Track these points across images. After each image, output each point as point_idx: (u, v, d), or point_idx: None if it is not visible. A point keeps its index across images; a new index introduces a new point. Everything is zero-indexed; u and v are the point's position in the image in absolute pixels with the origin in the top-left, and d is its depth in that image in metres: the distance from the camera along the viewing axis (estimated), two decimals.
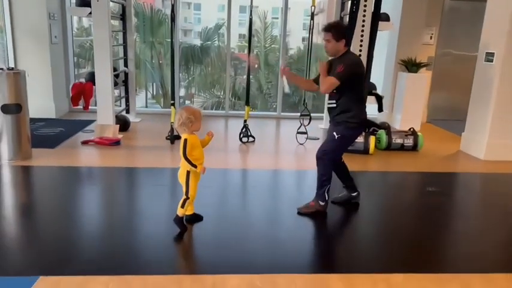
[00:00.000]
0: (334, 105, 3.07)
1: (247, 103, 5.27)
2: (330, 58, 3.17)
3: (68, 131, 5.39)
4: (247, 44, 10.37)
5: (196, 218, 2.98)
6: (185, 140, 2.68)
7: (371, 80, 5.70)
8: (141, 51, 8.97)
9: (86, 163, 4.36)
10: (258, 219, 3.20)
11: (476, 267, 2.58)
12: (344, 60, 2.98)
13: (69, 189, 3.69)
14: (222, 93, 9.03)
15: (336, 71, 2.93)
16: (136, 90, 10.19)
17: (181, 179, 2.77)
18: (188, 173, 2.73)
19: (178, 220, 2.81)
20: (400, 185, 4.20)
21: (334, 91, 3.00)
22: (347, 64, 2.93)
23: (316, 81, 3.22)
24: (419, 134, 5.21)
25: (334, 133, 3.05)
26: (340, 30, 3.00)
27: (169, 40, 6.77)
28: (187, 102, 10.78)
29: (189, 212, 2.94)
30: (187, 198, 2.79)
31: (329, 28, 2.99)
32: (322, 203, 3.15)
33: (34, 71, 5.85)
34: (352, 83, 2.98)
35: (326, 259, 2.68)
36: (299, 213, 3.16)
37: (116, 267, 2.35)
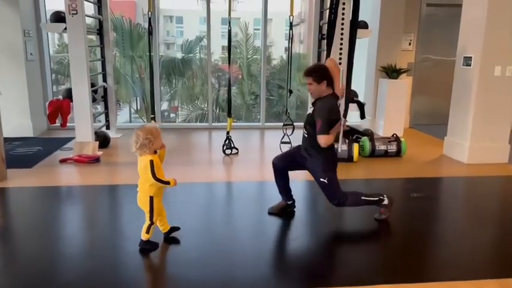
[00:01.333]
0: (306, 135, 3.13)
1: (229, 115, 5.21)
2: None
3: (46, 149, 5.25)
4: (224, 56, 10.39)
5: (173, 231, 2.91)
6: (151, 162, 2.56)
7: (352, 88, 5.71)
8: (121, 65, 8.89)
9: (64, 182, 4.23)
10: (243, 232, 3.12)
11: (466, 274, 2.54)
12: (319, 109, 3.00)
13: (47, 210, 3.56)
14: (206, 106, 8.97)
15: (318, 128, 2.94)
16: (120, 105, 10.13)
17: (143, 205, 2.67)
18: (151, 198, 2.64)
19: (145, 243, 2.72)
20: (385, 192, 4.15)
21: (307, 126, 3.09)
22: (318, 113, 2.97)
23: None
24: (402, 139, 5.21)
25: (322, 179, 3.06)
26: (320, 73, 3.04)
27: (152, 54, 6.73)
28: (171, 115, 10.70)
29: (165, 230, 2.87)
30: (152, 223, 2.69)
31: (309, 72, 3.06)
32: (386, 202, 3.19)
33: (10, 89, 5.73)
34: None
35: (309, 271, 2.61)
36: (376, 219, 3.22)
37: None
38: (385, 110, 6.42)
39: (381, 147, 5.14)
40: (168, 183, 2.61)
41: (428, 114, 7.27)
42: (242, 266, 2.60)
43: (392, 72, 6.39)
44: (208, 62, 7.11)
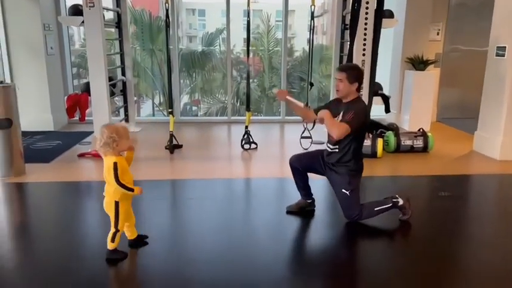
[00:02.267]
0: (337, 150, 2.92)
1: (248, 109, 5.08)
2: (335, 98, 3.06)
3: (65, 143, 5.24)
4: (251, 48, 10.25)
5: (140, 240, 2.67)
6: (115, 164, 2.33)
7: (376, 80, 5.49)
8: (142, 59, 8.86)
9: (81, 177, 4.20)
10: (260, 231, 2.99)
11: (500, 281, 2.35)
12: (355, 108, 2.83)
13: (64, 206, 3.53)
14: (226, 99, 8.87)
15: (347, 118, 2.79)
16: (143, 98, 10.14)
17: (109, 210, 2.44)
18: (117, 203, 2.42)
19: (112, 252, 2.49)
20: (410, 191, 3.94)
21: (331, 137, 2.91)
22: (357, 113, 2.79)
23: (317, 111, 3.03)
24: (429, 134, 4.97)
25: (344, 190, 2.91)
26: (355, 73, 2.87)
27: (172, 47, 6.65)
28: (193, 108, 10.67)
29: (132, 237, 2.64)
30: (117, 231, 2.45)
31: (344, 68, 2.92)
32: (401, 203, 3.01)
33: (30, 83, 5.76)
34: (357, 132, 2.86)
35: (327, 274, 2.46)
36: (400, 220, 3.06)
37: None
38: (411, 103, 6.16)
39: (406, 142, 4.91)
40: (131, 190, 2.37)
41: (457, 108, 6.95)
42: (259, 267, 2.48)
43: (419, 64, 6.11)
44: (228, 54, 6.98)
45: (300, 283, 2.36)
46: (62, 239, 2.89)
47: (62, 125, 6.17)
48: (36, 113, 5.87)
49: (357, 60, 4.76)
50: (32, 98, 5.82)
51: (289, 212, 3.19)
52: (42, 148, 5.06)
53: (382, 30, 4.77)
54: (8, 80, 5.72)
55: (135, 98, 9.36)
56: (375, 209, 3.00)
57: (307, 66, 9.47)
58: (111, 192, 2.41)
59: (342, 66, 2.93)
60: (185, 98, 9.84)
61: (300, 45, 11.05)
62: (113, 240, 2.46)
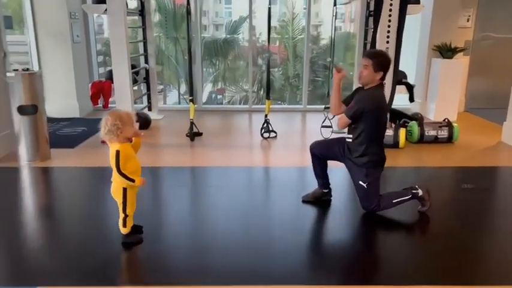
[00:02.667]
0: (350, 140, 2.91)
1: (267, 97, 5.05)
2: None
3: (90, 130, 5.36)
4: (277, 36, 10.14)
5: (135, 230, 2.62)
6: (117, 152, 2.31)
7: (401, 68, 5.35)
8: (166, 47, 8.92)
9: (103, 163, 4.24)
10: (277, 220, 2.99)
11: None
12: (363, 94, 2.79)
13: (86, 190, 3.64)
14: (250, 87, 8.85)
15: (348, 107, 2.79)
16: (170, 86, 10.23)
17: (117, 196, 2.46)
18: (125, 189, 2.43)
19: (127, 237, 2.53)
20: (432, 182, 3.84)
21: (353, 126, 2.85)
22: (359, 100, 2.76)
23: (345, 102, 2.99)
24: (454, 124, 4.82)
25: (361, 182, 2.87)
26: (382, 61, 2.77)
27: (194, 35, 6.67)
28: (218, 96, 10.69)
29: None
30: (126, 216, 2.48)
31: (372, 55, 2.81)
32: (421, 194, 2.93)
33: (57, 70, 5.91)
34: (367, 121, 2.78)
35: (344, 266, 2.44)
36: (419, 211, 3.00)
37: (85, 277, 2.24)
38: (438, 92, 5.98)
39: (430, 132, 4.78)
40: (132, 180, 2.35)
41: (487, 97, 6.70)
42: (274, 256, 2.48)
43: (446, 52, 5.91)
44: (250, 42, 6.94)
45: (314, 274, 2.35)
46: (84, 222, 2.98)
47: (87, 111, 6.31)
48: (62, 100, 6.03)
49: (380, 48, 4.64)
50: (59, 85, 5.97)
51: (304, 202, 3.17)
52: (68, 134, 5.20)
53: (409, 17, 4.63)
54: (36, 67, 5.89)
55: (161, 86, 9.48)
56: (393, 200, 2.94)
57: (335, 53, 9.29)
58: (118, 179, 2.39)
59: (369, 52, 2.83)
60: (210, 87, 9.86)
61: (327, 33, 10.81)
62: (124, 225, 2.50)
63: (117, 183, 2.43)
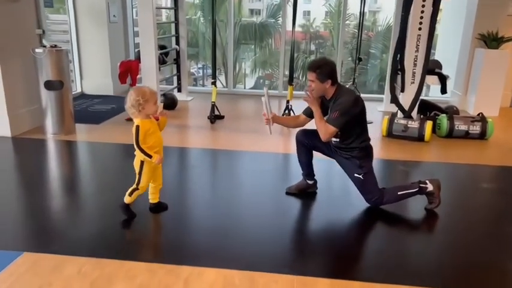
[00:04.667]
0: (338, 141, 2.79)
1: (290, 82, 4.95)
2: None
3: (119, 107, 5.53)
4: (327, 22, 9.89)
5: (160, 206, 2.73)
6: (137, 127, 2.38)
7: (441, 58, 5.06)
8: (205, 29, 8.99)
9: (123, 140, 4.38)
10: (269, 208, 2.95)
11: None
12: (338, 104, 2.65)
13: (101, 164, 3.80)
14: (286, 73, 8.72)
15: (331, 117, 2.66)
16: (220, 70, 10.37)
17: (135, 166, 2.54)
18: (142, 162, 2.49)
19: (124, 207, 2.60)
20: (452, 180, 3.62)
21: (339, 132, 2.72)
22: (342, 110, 2.62)
23: (307, 113, 2.92)
24: (489, 120, 4.48)
25: (356, 174, 2.76)
26: (324, 71, 2.64)
27: (229, 18, 6.67)
28: (266, 82, 10.66)
29: (154, 201, 2.71)
30: (137, 188, 2.54)
31: (313, 68, 2.66)
32: (431, 189, 2.78)
33: (93, 49, 6.14)
34: (352, 124, 2.68)
35: (329, 261, 2.37)
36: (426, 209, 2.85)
37: (97, 250, 2.30)
38: (479, 84, 5.58)
39: (461, 127, 4.48)
40: (149, 156, 2.41)
41: None
42: (256, 241, 2.45)
43: (491, 41, 5.49)
44: (284, 27, 6.82)
45: (302, 261, 2.30)
46: (98, 194, 3.10)
47: (121, 90, 6.50)
48: (98, 78, 6.27)
49: (411, 35, 4.39)
50: (95, 64, 6.21)
51: (288, 194, 3.05)
52: (98, 111, 5.41)
53: (453, 3, 4.31)
54: (74, 46, 6.15)
55: (198, 67, 9.59)
56: (398, 193, 2.79)
57: (386, 40, 8.89)
58: (138, 152, 2.48)
59: (311, 65, 2.67)
60: (251, 71, 9.83)
61: (385, 20, 10.31)
62: (130, 194, 2.58)
63: (137, 156, 2.51)
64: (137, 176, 2.54)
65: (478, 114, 4.58)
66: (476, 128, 4.46)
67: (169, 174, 3.52)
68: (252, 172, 3.61)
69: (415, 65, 4.46)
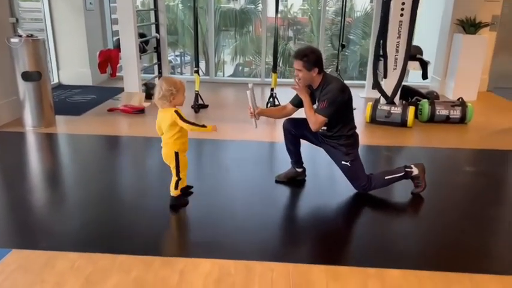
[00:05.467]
0: (325, 129, 2.79)
1: (274, 70, 4.94)
2: None
3: (99, 98, 5.43)
4: (305, 7, 9.83)
5: (187, 189, 2.82)
6: (176, 111, 2.43)
7: (421, 44, 5.11)
8: (184, 16, 8.84)
9: (105, 131, 4.29)
10: (258, 199, 2.96)
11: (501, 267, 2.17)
12: (326, 93, 2.66)
13: (83, 157, 3.71)
14: (267, 59, 8.67)
15: (320, 107, 2.67)
16: (188, 55, 10.19)
17: (169, 160, 2.58)
18: (176, 154, 2.54)
19: (175, 199, 2.66)
20: (432, 163, 3.71)
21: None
22: (331, 99, 2.63)
23: (294, 103, 2.93)
24: (468, 104, 4.58)
25: (343, 162, 2.79)
26: (311, 59, 2.64)
27: (209, 5, 6.56)
28: (245, 69, 10.58)
29: (183, 185, 2.74)
30: (179, 179, 2.61)
31: (299, 56, 2.66)
32: (416, 173, 2.83)
33: (70, 37, 5.97)
34: (340, 112, 2.70)
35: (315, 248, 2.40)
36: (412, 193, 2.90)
37: (88, 244, 2.26)
38: (457, 69, 5.69)
39: (441, 112, 4.57)
40: (204, 126, 2.47)
41: None
42: (245, 231, 2.46)
43: (469, 27, 5.58)
44: (264, 13, 6.77)
45: (296, 248, 2.32)
46: (81, 187, 3.04)
47: (100, 80, 6.37)
48: (75, 68, 6.11)
49: (393, 21, 4.42)
50: (72, 53, 6.04)
51: (278, 182, 3.07)
52: (77, 101, 5.28)
53: None
54: (49, 35, 5.96)
55: (175, 55, 9.42)
56: (386, 177, 2.84)
57: (365, 28, 8.93)
58: (170, 144, 2.51)
59: (297, 54, 2.66)
60: (232, 59, 9.72)
61: (362, 5, 10.33)
62: (176, 187, 2.62)
63: (168, 148, 2.53)
64: (175, 169, 2.57)
65: (458, 99, 4.68)
66: (456, 113, 4.55)
67: (155, 166, 3.48)
68: (240, 161, 3.59)
69: (397, 51, 4.51)
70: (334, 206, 2.89)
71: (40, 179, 3.24)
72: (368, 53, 6.42)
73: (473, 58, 5.59)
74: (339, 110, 2.67)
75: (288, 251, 2.27)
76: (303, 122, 2.81)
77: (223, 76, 9.03)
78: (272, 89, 4.93)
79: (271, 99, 4.92)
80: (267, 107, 4.94)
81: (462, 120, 4.57)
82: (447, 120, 4.58)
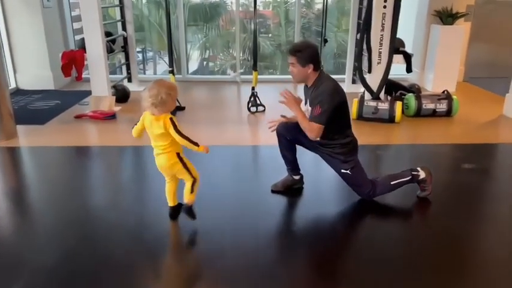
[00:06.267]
0: (318, 139, 2.55)
1: (254, 68, 4.67)
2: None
3: (64, 103, 4.99)
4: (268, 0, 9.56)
5: (179, 209, 2.44)
6: (171, 119, 2.17)
7: (399, 36, 4.97)
8: (150, 12, 8.39)
9: (76, 142, 3.89)
10: (253, 206, 2.71)
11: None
12: (317, 95, 2.45)
13: (51, 174, 3.31)
14: (241, 55, 8.36)
15: (314, 114, 2.44)
16: (160, 53, 9.71)
17: (174, 167, 2.28)
18: (180, 158, 2.28)
19: (189, 209, 2.37)
20: (431, 161, 3.58)
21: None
22: (323, 102, 2.41)
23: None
24: (454, 97, 4.50)
25: (343, 170, 2.59)
26: (306, 54, 2.44)
27: None
28: (210, 64, 10.22)
29: (171, 204, 2.44)
30: (195, 180, 2.33)
31: (294, 51, 2.48)
32: (423, 176, 2.66)
33: (27, 38, 5.47)
34: (336, 116, 2.48)
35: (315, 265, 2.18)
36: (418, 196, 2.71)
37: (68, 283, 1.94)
38: (436, 61, 5.63)
39: (428, 105, 4.47)
40: (196, 144, 2.21)
41: (487, 66, 6.37)
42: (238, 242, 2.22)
43: (447, 17, 5.52)
44: (237, 6, 6.49)
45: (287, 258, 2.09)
46: (57, 207, 2.69)
47: (63, 83, 5.88)
48: (35, 71, 5.61)
49: (376, 14, 4.25)
50: (30, 54, 5.54)
51: (274, 192, 2.82)
52: (39, 108, 4.82)
53: None
54: (3, 36, 5.43)
55: (151, 53, 8.97)
56: (391, 182, 2.65)
57: (329, 19, 8.77)
58: (170, 148, 2.23)
59: (291, 48, 2.48)
60: (196, 54, 9.37)
61: None
62: (192, 190, 2.34)
63: (170, 153, 2.25)
64: (186, 171, 2.30)
65: (443, 92, 4.59)
66: (443, 106, 4.46)
67: (134, 179, 3.18)
68: (227, 168, 3.33)
69: (381, 44, 4.35)
70: (335, 217, 2.68)
71: (3, 203, 2.84)
72: (345, 47, 6.29)
73: (451, 49, 5.54)
74: (333, 113, 2.44)
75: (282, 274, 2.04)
76: (297, 126, 2.57)
77: (188, 73, 8.69)
78: (253, 88, 4.67)
79: (252, 99, 4.66)
80: (248, 107, 4.68)
81: (448, 113, 4.48)
82: (434, 113, 4.48)
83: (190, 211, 2.37)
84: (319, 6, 10.01)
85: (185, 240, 2.41)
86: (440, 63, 5.62)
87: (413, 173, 2.67)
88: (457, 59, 5.65)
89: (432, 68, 5.72)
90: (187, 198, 2.36)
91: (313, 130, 2.46)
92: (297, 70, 2.49)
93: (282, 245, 2.33)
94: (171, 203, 2.44)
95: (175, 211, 2.44)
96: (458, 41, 5.58)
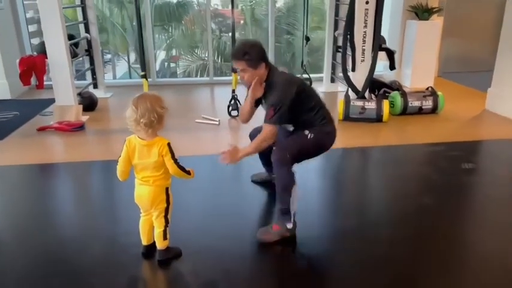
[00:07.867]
0: (292, 128, 2.36)
1: (233, 69, 4.41)
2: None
3: (24, 114, 4.53)
4: None
5: (154, 247, 2.08)
6: (169, 144, 1.88)
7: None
8: (111, 12, 7.92)
9: (38, 159, 3.42)
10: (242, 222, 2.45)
11: None
12: (271, 95, 2.25)
13: (9, 201, 2.91)
14: (206, 55, 8.05)
15: (267, 117, 2.21)
16: (118, 55, 9.21)
17: (158, 201, 1.95)
18: (168, 196, 1.97)
19: (166, 253, 2.05)
20: (426, 162, 3.45)
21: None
22: (275, 101, 2.19)
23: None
24: (439, 94, 4.42)
25: (306, 132, 2.28)
26: (254, 54, 2.21)
27: None
28: (171, 65, 9.82)
29: (145, 242, 2.07)
30: (168, 224, 2.00)
31: (239, 55, 2.22)
32: (289, 226, 2.23)
33: None
34: (298, 107, 2.25)
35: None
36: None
37: None
38: (413, 57, 5.57)
39: (414, 103, 4.37)
40: (189, 173, 1.95)
41: (459, 61, 6.42)
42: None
43: (423, 12, 5.46)
44: (207, 5, 6.19)
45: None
46: (21, 244, 2.31)
47: (20, 91, 5.37)
48: None
49: (359, 10, 4.09)
50: None
51: (254, 182, 2.90)
52: None
53: None
54: None
55: (109, 56, 8.48)
56: (290, 190, 2.18)
57: (294, 18, 8.64)
58: (161, 180, 1.92)
59: (235, 53, 2.25)
60: (162, 55, 8.97)
61: None
62: (165, 237, 2.01)
63: (158, 187, 1.93)
64: (163, 212, 1.97)
65: (427, 89, 4.51)
66: (428, 103, 4.38)
67: (108, 200, 2.85)
68: (207, 180, 3.05)
69: (364, 41, 4.20)
70: (325, 218, 2.46)
71: None
72: (323, 44, 6.13)
73: (428, 44, 5.50)
74: (293, 106, 2.21)
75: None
76: None
77: (157, 77, 8.29)
78: (233, 91, 4.40)
79: (232, 102, 4.39)
80: (228, 110, 4.41)
81: (434, 110, 4.40)
82: (419, 111, 4.39)
83: (167, 254, 2.05)
84: (280, 4, 9.83)
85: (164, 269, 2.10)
86: (417, 59, 5.57)
87: (290, 211, 2.22)
88: (434, 55, 5.63)
89: (409, 64, 5.66)
90: (160, 244, 2.03)
91: (266, 136, 2.21)
92: (250, 74, 2.24)
93: (272, 251, 2.09)
94: (145, 241, 2.07)
95: (150, 250, 2.08)
96: (435, 36, 5.56)
